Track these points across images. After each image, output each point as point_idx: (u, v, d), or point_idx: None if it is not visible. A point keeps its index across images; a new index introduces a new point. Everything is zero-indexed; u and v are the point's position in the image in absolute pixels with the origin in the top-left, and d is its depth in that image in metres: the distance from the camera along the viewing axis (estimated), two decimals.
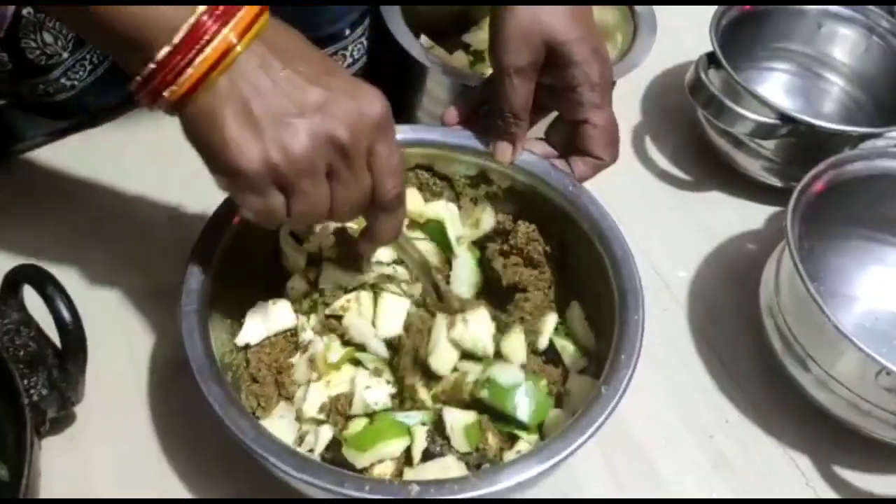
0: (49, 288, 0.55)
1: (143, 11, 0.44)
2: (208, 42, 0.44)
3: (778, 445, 0.66)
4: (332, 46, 0.73)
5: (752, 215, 0.82)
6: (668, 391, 0.68)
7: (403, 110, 0.81)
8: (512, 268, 0.66)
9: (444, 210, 0.67)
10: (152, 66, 0.44)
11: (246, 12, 0.45)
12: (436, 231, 0.67)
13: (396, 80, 0.79)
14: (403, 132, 0.64)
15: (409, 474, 0.56)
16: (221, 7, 0.44)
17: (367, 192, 0.50)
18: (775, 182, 0.81)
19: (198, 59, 0.44)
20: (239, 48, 0.45)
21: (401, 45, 0.74)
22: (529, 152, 0.64)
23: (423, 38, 0.81)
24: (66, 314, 0.55)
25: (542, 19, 0.57)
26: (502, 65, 0.58)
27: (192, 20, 0.44)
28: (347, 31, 0.73)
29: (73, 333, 0.56)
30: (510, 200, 0.67)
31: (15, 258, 0.59)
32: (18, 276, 0.58)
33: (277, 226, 0.52)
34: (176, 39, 0.44)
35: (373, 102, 0.48)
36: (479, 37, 0.84)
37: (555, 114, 0.64)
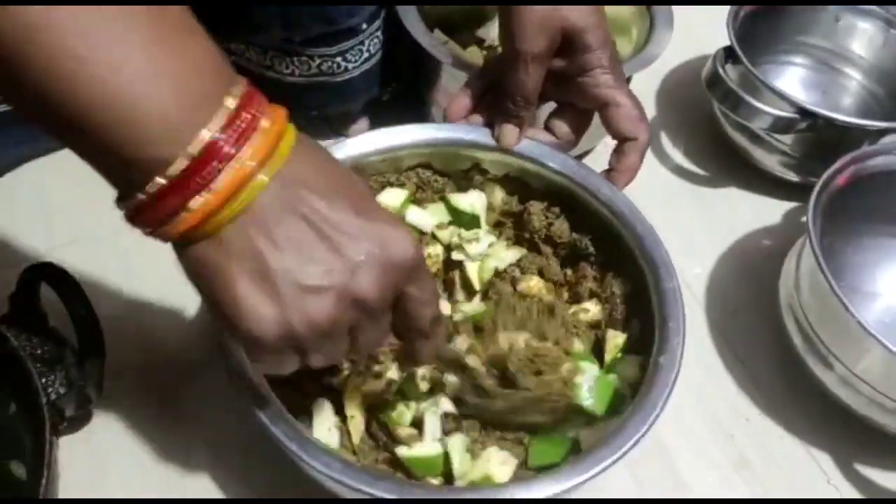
0: (66, 286, 0.55)
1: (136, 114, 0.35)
2: (219, 170, 0.36)
3: (799, 444, 0.66)
4: (348, 41, 0.72)
5: (768, 211, 0.81)
6: (687, 389, 0.67)
7: (417, 105, 0.81)
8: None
9: (477, 201, 0.66)
10: (141, 196, 0.36)
11: (270, 127, 0.37)
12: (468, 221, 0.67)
13: (411, 75, 0.79)
14: (397, 134, 0.64)
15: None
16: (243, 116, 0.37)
17: (388, 330, 0.45)
18: (792, 177, 0.81)
19: (206, 193, 0.36)
20: (262, 177, 0.37)
21: (415, 39, 0.73)
22: (532, 140, 0.64)
23: (437, 33, 0.80)
24: (83, 313, 0.55)
25: (560, 6, 0.57)
26: (519, 51, 0.58)
27: (204, 137, 0.35)
28: (364, 26, 0.73)
29: (91, 332, 0.55)
30: (507, 189, 0.67)
31: (31, 256, 0.59)
32: (35, 275, 0.57)
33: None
34: (179, 166, 0.35)
35: (405, 250, 0.41)
36: (493, 32, 0.84)
37: (552, 105, 0.64)
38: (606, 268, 0.64)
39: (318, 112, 0.79)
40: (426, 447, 0.55)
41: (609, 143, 0.79)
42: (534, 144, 0.64)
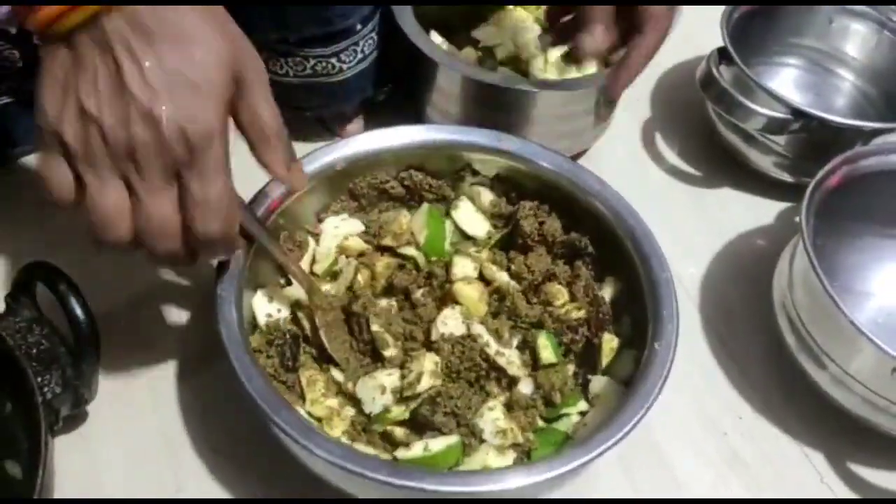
0: (62, 286, 0.55)
1: None
2: None
3: (792, 442, 0.66)
4: (343, 42, 0.73)
5: (762, 211, 0.82)
6: (681, 388, 0.67)
7: (413, 105, 0.81)
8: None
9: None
10: None
11: None
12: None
13: (406, 76, 0.79)
14: (391, 136, 0.65)
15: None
16: None
17: (171, 220, 0.47)
18: (786, 178, 0.81)
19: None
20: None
21: (411, 41, 0.73)
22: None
23: (433, 34, 0.80)
24: (79, 312, 0.55)
25: None
26: None
27: None
28: (359, 27, 0.73)
29: (87, 331, 0.55)
30: (498, 190, 0.68)
31: (26, 256, 0.59)
32: (31, 274, 0.57)
33: (67, 207, 0.47)
34: None
35: (200, 117, 0.45)
36: (488, 32, 0.84)
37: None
38: (601, 265, 0.65)
39: (313, 112, 0.79)
40: (424, 446, 0.56)
41: (602, 144, 0.79)
42: (525, 144, 0.65)
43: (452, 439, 0.56)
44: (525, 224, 0.66)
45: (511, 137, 0.66)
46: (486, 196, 0.68)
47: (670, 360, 0.55)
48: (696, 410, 0.67)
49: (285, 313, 0.62)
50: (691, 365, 0.70)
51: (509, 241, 0.68)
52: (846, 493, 0.64)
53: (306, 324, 0.61)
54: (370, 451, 0.56)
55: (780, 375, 0.69)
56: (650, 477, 0.63)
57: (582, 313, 0.63)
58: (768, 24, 0.86)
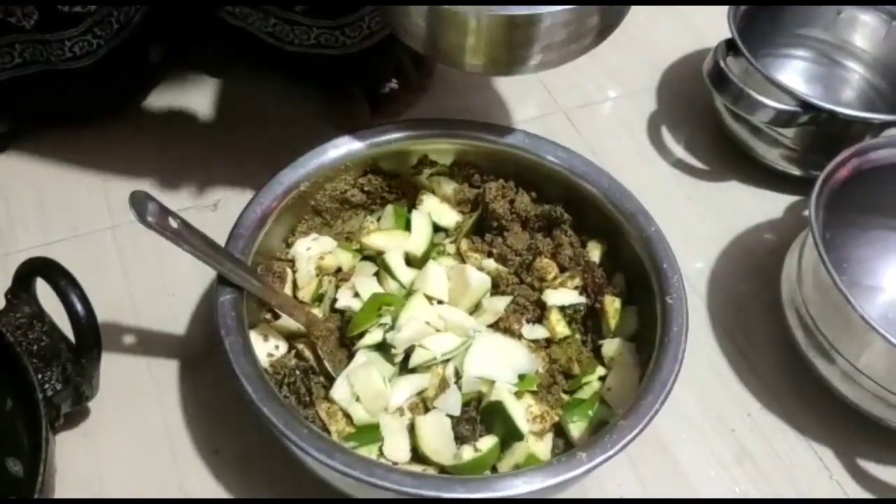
0: (62, 282, 0.55)
1: None
2: None
3: (801, 438, 0.65)
4: (348, 17, 0.72)
5: (770, 205, 0.81)
6: (689, 383, 0.67)
7: (418, 97, 0.80)
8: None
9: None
10: None
11: None
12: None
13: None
14: (339, 147, 0.64)
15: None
16: None
17: None
18: (794, 171, 0.80)
19: None
20: None
21: None
22: None
23: None
24: (79, 308, 0.54)
25: None
26: None
27: None
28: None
29: (87, 327, 0.55)
30: (458, 177, 0.68)
31: (26, 252, 0.58)
32: (31, 270, 0.57)
33: None
34: None
35: None
36: None
37: None
38: (580, 230, 0.65)
39: (316, 83, 0.79)
40: (473, 448, 0.55)
41: (607, 138, 0.78)
42: (473, 124, 0.65)
43: (494, 438, 0.56)
44: (496, 206, 0.65)
45: (458, 121, 0.66)
46: (448, 185, 0.68)
47: (685, 315, 0.55)
48: (704, 407, 0.66)
49: (283, 349, 0.60)
50: (699, 360, 0.69)
51: (481, 225, 0.67)
52: (855, 490, 0.63)
53: (309, 354, 0.59)
54: (418, 468, 0.55)
55: (788, 371, 0.68)
56: (658, 473, 0.63)
57: (577, 281, 0.63)
58: (775, 16, 0.85)
